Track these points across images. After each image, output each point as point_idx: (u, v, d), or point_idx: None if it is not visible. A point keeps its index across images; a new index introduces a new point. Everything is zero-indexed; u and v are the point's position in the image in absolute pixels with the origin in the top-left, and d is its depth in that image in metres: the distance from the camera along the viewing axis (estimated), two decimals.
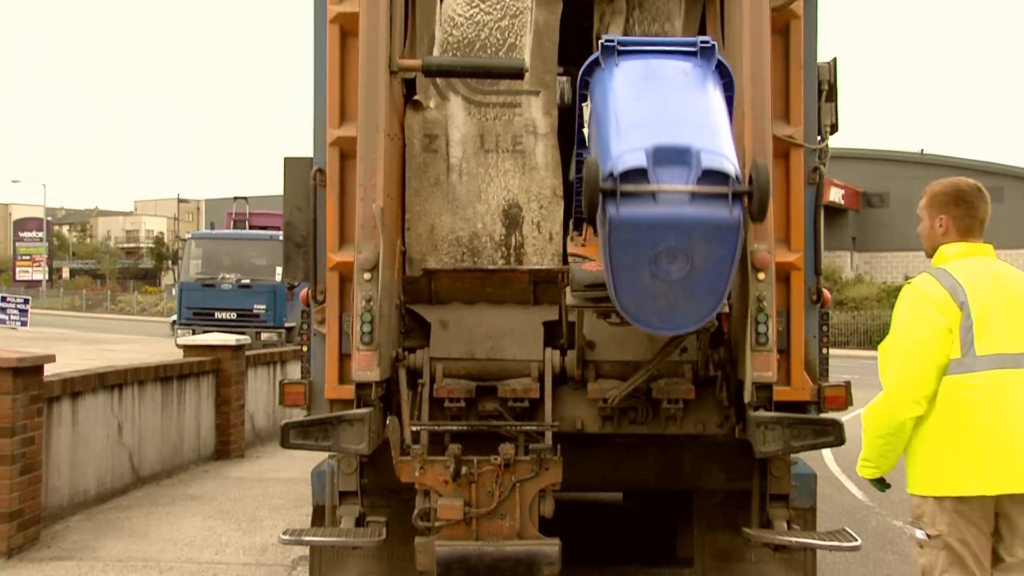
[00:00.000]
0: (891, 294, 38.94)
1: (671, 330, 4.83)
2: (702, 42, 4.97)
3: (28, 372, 7.45)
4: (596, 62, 5.08)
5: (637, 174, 4.32)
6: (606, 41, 5.01)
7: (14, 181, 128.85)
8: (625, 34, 6.45)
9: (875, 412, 4.20)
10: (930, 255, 4.43)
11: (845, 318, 36.99)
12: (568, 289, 5.26)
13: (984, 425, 3.99)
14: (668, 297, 4.52)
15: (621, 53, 4.99)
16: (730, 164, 4.35)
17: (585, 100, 5.22)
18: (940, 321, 4.06)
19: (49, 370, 8.00)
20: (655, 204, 4.30)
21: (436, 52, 6.31)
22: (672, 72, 4.95)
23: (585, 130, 5.33)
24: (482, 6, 6.38)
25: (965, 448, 4.01)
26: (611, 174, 4.31)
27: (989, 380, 3.99)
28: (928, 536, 4.09)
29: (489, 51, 6.32)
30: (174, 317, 43.08)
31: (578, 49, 6.59)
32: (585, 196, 4.42)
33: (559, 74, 6.53)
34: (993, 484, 4.00)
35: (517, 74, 5.83)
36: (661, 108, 4.75)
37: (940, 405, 4.03)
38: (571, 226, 6.06)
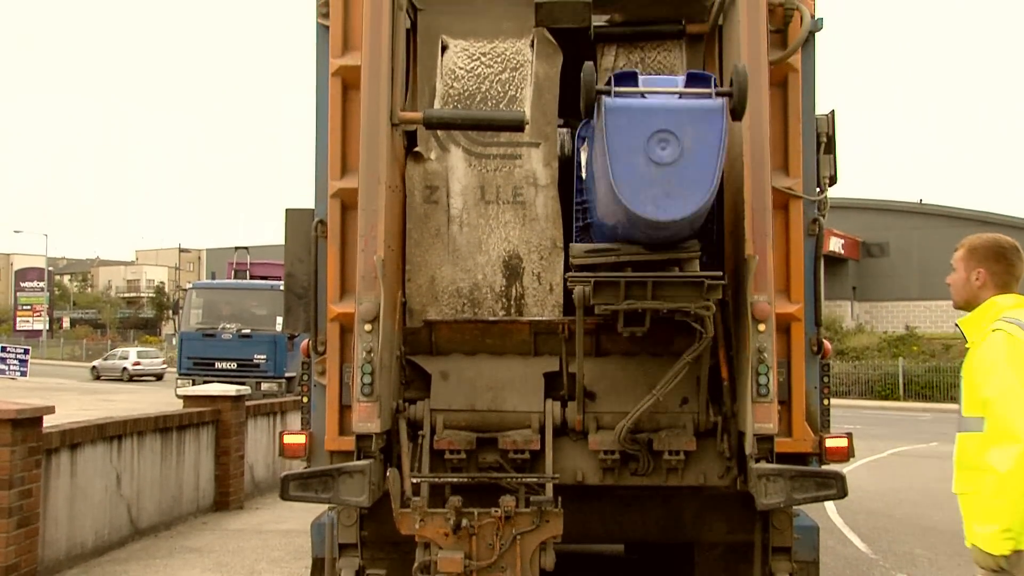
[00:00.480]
0: (892, 344, 38.91)
1: (666, 216, 4.91)
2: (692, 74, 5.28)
3: (27, 424, 7.43)
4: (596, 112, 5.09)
5: (628, 79, 5.02)
6: (616, 81, 5.06)
7: (16, 231, 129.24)
8: (624, 68, 6.53)
9: (1013, 460, 3.76)
10: (960, 306, 4.39)
11: (846, 368, 36.94)
12: (570, 258, 5.49)
13: None
14: (663, 184, 4.86)
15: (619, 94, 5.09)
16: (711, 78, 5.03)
17: (583, 143, 5.35)
18: None
19: (48, 421, 7.98)
20: (646, 99, 4.97)
21: (437, 104, 6.36)
22: (674, 107, 5.13)
23: (583, 172, 5.60)
24: (483, 59, 6.44)
25: None
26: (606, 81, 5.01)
27: None
28: None
29: (490, 103, 6.37)
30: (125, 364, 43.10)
31: (578, 102, 6.65)
32: (583, 100, 4.94)
33: (559, 126, 6.58)
34: None
35: (518, 127, 5.88)
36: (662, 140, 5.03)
37: None
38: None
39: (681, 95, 4.97)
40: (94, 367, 50.38)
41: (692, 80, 5.09)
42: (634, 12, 6.51)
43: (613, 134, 4.89)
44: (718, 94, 4.89)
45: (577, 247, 5.47)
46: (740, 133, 5.47)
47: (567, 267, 6.23)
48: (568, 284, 5.44)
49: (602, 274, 5.25)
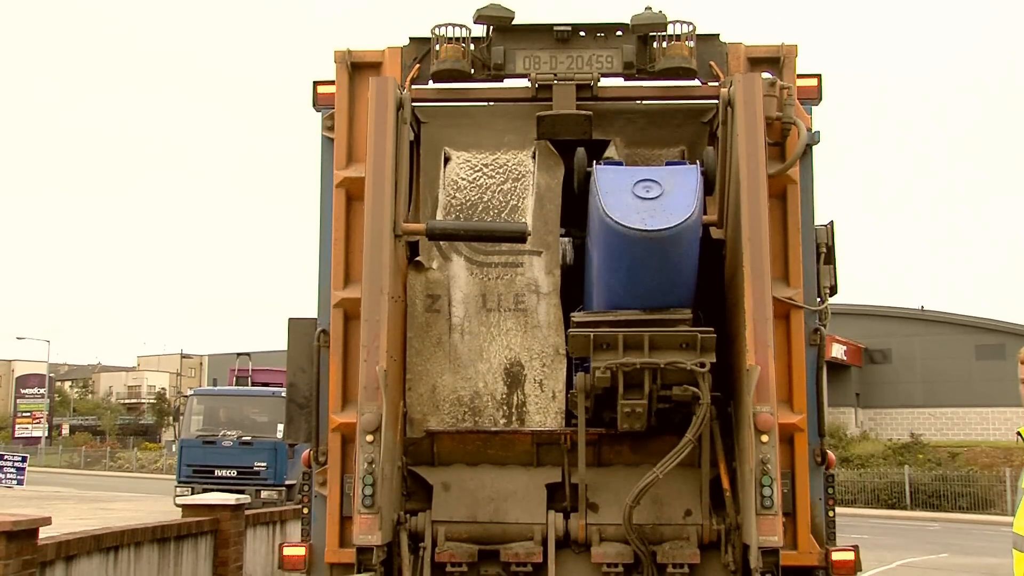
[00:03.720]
0: (897, 451, 38.54)
1: (655, 226, 5.34)
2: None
3: (22, 536, 7.32)
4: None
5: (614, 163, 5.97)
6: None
7: (19, 338, 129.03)
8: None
9: None
10: None
11: (851, 476, 36.54)
12: (571, 326, 5.73)
13: None
14: (649, 210, 5.41)
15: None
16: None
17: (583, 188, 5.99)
18: None
19: (44, 532, 7.87)
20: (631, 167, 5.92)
21: (440, 214, 6.44)
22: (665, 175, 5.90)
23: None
24: (485, 170, 6.54)
25: None
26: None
27: None
28: None
29: (492, 213, 6.45)
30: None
31: (579, 211, 6.74)
32: (576, 178, 5.95)
33: (561, 235, 6.65)
34: None
35: (520, 238, 5.95)
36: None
37: None
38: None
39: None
40: None
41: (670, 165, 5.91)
42: (633, 136, 6.63)
43: (604, 182, 5.58)
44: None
45: (579, 313, 5.84)
46: (741, 244, 5.53)
47: (570, 374, 6.24)
48: (568, 343, 5.69)
49: (601, 329, 5.49)
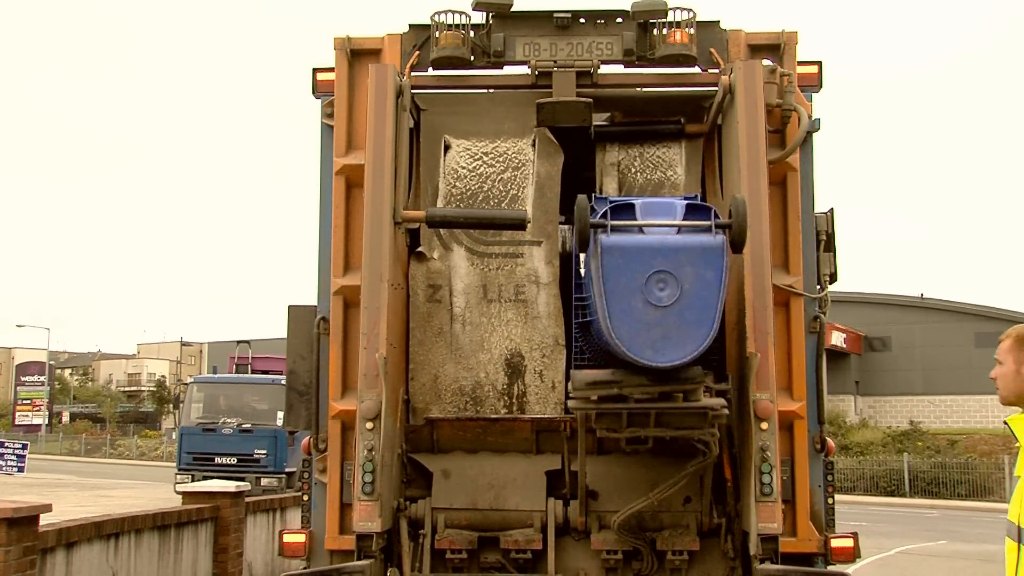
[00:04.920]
0: (896, 439, 38.61)
1: (665, 361, 4.78)
2: (689, 205, 5.11)
3: (23, 523, 7.33)
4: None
5: (626, 210, 4.88)
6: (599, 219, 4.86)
7: (19, 326, 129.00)
8: (625, 183, 6.58)
9: None
10: (1011, 401, 4.09)
11: (850, 463, 36.60)
12: (570, 388, 5.32)
13: None
14: (661, 327, 4.72)
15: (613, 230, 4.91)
16: (710, 215, 4.86)
17: (584, 249, 5.14)
18: None
19: (44, 519, 7.88)
20: (643, 234, 4.81)
21: (440, 203, 6.43)
22: (671, 239, 4.98)
23: (582, 269, 5.48)
24: (485, 159, 6.53)
25: None
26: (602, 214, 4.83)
27: None
28: None
29: (492, 202, 6.44)
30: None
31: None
32: (577, 232, 4.80)
33: (560, 223, 6.64)
34: None
35: (520, 226, 5.94)
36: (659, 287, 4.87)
37: None
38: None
39: (680, 229, 4.81)
40: None
41: (691, 211, 4.94)
42: (634, 111, 6.61)
43: (610, 274, 4.74)
44: (718, 226, 4.75)
45: (579, 378, 5.27)
46: None
47: (569, 364, 6.24)
48: (570, 407, 5.36)
49: (605, 405, 5.19)
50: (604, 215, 4.78)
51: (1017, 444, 4.06)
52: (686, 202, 5.04)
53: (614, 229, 4.76)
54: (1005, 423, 4.15)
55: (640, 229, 4.80)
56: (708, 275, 4.71)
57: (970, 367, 45.49)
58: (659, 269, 4.70)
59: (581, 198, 4.83)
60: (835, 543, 5.99)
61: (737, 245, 4.83)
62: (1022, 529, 3.90)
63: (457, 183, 6.50)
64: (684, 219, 4.89)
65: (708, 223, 4.78)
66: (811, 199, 6.29)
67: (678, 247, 4.75)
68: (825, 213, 6.45)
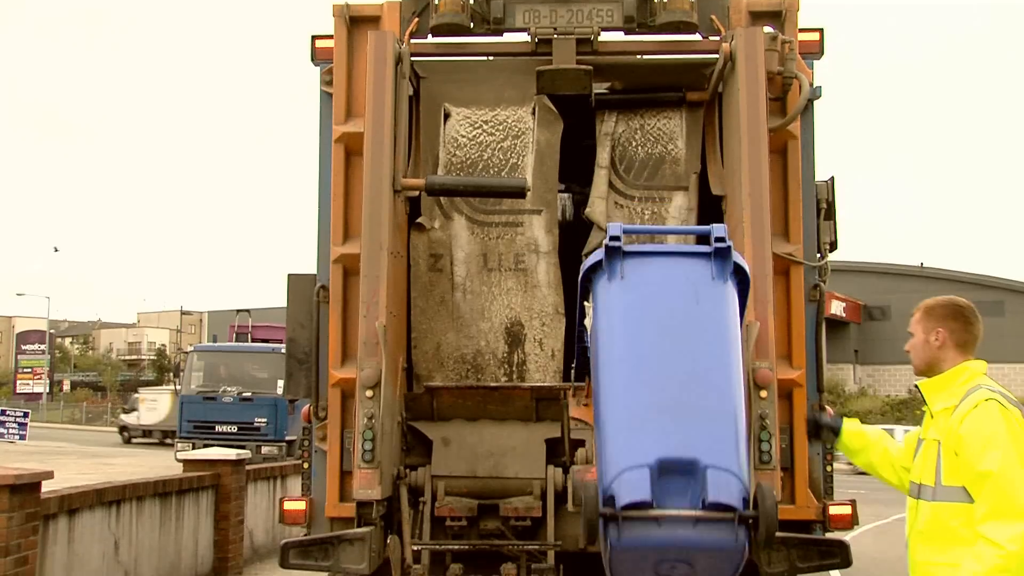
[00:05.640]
0: (895, 407, 38.76)
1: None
2: (717, 240, 4.42)
3: (25, 489, 7.37)
4: (599, 264, 4.48)
5: (640, 506, 4.03)
6: (611, 241, 4.40)
7: (19, 294, 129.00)
8: (625, 157, 6.55)
9: (1020, 539, 3.68)
10: (922, 371, 4.31)
11: None
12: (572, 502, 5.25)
13: None
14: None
15: (627, 255, 4.42)
16: (736, 485, 4.06)
17: (587, 298, 4.69)
18: None
19: (46, 486, 7.92)
20: (658, 528, 4.03)
21: (440, 172, 6.42)
22: (682, 292, 4.38)
23: (587, 321, 4.83)
24: (485, 127, 6.51)
25: None
26: (612, 498, 4.01)
27: None
28: None
29: (492, 171, 6.43)
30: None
31: (579, 167, 6.72)
32: (584, 521, 4.12)
33: (560, 191, 6.62)
34: None
35: (519, 193, 5.93)
36: (668, 385, 4.19)
37: None
38: (572, 377, 5.78)
39: (698, 520, 4.02)
40: None
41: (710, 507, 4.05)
42: (634, 80, 6.59)
43: (618, 569, 4.21)
44: (741, 520, 4.04)
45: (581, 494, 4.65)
46: (741, 200, 5.51)
47: (568, 333, 6.26)
48: None
49: None
50: (609, 500, 4.01)
51: (925, 407, 4.23)
52: (709, 474, 4.02)
53: (626, 519, 3.99)
54: (915, 387, 4.36)
55: (655, 520, 4.02)
56: (724, 568, 4.20)
57: None
58: (673, 559, 4.16)
59: (590, 484, 4.21)
60: (833, 510, 6.02)
61: (763, 542, 4.18)
62: (923, 487, 4.10)
63: (457, 151, 6.48)
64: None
65: (731, 515, 4.01)
66: (812, 167, 6.26)
67: (696, 547, 4.11)
68: (826, 181, 6.44)
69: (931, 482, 4.05)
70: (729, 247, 4.41)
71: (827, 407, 6.17)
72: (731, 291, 4.40)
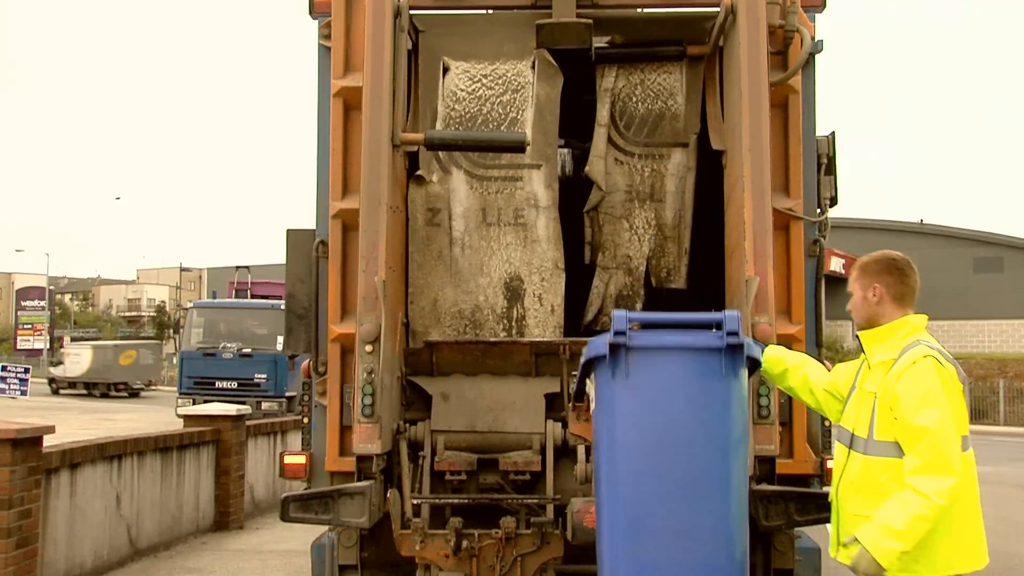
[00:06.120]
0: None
1: None
2: (729, 334, 4.13)
3: (27, 444, 7.42)
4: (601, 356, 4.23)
5: None
6: (615, 337, 4.12)
7: (18, 250, 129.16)
8: (625, 113, 6.50)
9: (951, 497, 3.84)
10: (863, 326, 4.37)
11: None
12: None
13: (977, 500, 4.08)
14: None
15: (631, 350, 4.14)
16: None
17: (588, 375, 4.46)
18: (962, 400, 4.06)
19: (48, 440, 7.96)
20: None
21: (439, 126, 6.38)
22: (689, 396, 4.17)
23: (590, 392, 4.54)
24: (484, 81, 6.46)
25: (977, 522, 4.06)
26: None
27: (972, 456, 4.10)
28: None
29: (491, 125, 6.39)
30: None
31: (579, 122, 6.68)
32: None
33: (560, 147, 6.59)
34: (985, 556, 4.08)
35: (519, 148, 5.90)
36: (668, 499, 4.12)
37: (966, 481, 3.97)
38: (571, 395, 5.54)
39: None
40: None
41: None
42: (634, 34, 6.53)
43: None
44: None
45: (580, 536, 5.05)
46: (741, 154, 5.49)
47: (568, 287, 6.25)
48: None
49: None
50: None
51: (863, 356, 4.34)
52: None
53: None
54: (856, 337, 4.47)
55: None
56: None
57: (968, 292, 45.58)
58: None
59: None
60: (831, 464, 6.04)
61: None
62: (855, 437, 4.19)
63: (456, 106, 6.44)
64: None
65: None
66: (812, 122, 6.22)
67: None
68: (826, 136, 6.41)
69: (864, 434, 4.14)
70: (742, 344, 4.13)
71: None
72: (741, 384, 4.21)
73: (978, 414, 35.25)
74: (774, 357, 4.76)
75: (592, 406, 4.41)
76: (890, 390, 4.01)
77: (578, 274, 6.48)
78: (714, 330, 4.15)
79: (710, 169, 6.33)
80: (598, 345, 4.20)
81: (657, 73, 6.56)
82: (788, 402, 5.85)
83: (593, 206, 6.53)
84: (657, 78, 6.54)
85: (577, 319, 6.45)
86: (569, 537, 5.20)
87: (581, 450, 5.47)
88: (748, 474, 4.36)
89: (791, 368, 4.73)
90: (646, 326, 4.19)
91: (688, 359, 4.18)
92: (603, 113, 6.51)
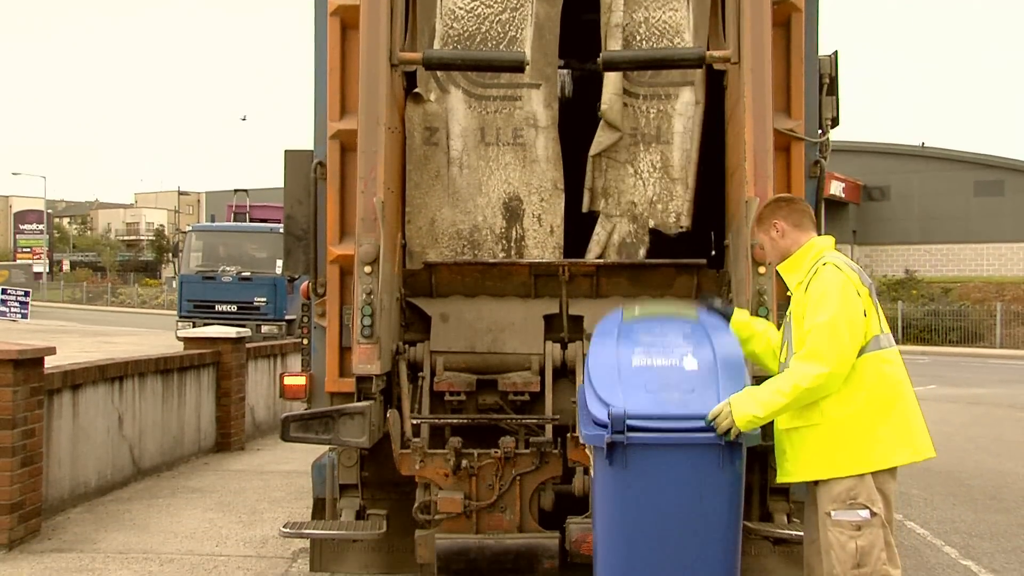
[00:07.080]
0: (892, 287, 38.96)
1: None
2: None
3: (28, 364, 7.45)
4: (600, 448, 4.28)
5: None
6: (614, 435, 4.18)
7: (14, 173, 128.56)
8: (628, 48, 6.32)
9: (815, 384, 4.09)
10: (780, 262, 4.62)
11: None
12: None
13: (906, 396, 4.30)
14: None
15: (628, 446, 4.19)
16: None
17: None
18: (860, 303, 4.26)
19: (50, 362, 8.00)
20: None
21: (437, 45, 6.30)
22: (686, 490, 4.24)
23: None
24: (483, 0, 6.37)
25: (897, 419, 4.26)
26: None
27: (896, 355, 4.36)
28: (872, 514, 4.19)
29: (490, 44, 6.31)
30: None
31: (579, 41, 6.60)
32: None
33: (560, 67, 6.51)
34: (919, 451, 4.30)
35: (518, 67, 5.84)
36: None
37: (870, 381, 4.21)
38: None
39: None
40: None
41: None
42: None
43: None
44: None
45: None
46: (743, 74, 5.43)
47: (567, 208, 6.22)
48: None
49: None
50: None
51: (789, 292, 4.56)
52: None
53: None
54: (777, 274, 4.74)
55: None
56: None
57: (968, 216, 45.53)
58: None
59: None
60: None
61: None
62: (786, 360, 4.43)
63: (454, 24, 6.36)
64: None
65: None
66: (815, 41, 6.15)
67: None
68: (829, 56, 6.33)
69: (786, 354, 4.43)
70: (741, 444, 4.24)
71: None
72: (738, 472, 4.30)
73: (975, 337, 35.46)
74: (742, 322, 4.94)
75: (591, 472, 4.53)
76: (802, 303, 4.30)
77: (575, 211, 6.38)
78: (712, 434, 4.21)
79: (717, 106, 6.24)
80: (594, 437, 4.27)
81: (662, 11, 6.39)
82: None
83: (602, 150, 6.34)
84: (662, 16, 6.39)
85: (576, 241, 6.40)
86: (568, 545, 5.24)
87: (579, 371, 5.51)
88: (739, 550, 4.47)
89: (758, 334, 4.91)
90: (643, 430, 4.20)
91: (687, 454, 4.23)
92: (615, 49, 6.32)
